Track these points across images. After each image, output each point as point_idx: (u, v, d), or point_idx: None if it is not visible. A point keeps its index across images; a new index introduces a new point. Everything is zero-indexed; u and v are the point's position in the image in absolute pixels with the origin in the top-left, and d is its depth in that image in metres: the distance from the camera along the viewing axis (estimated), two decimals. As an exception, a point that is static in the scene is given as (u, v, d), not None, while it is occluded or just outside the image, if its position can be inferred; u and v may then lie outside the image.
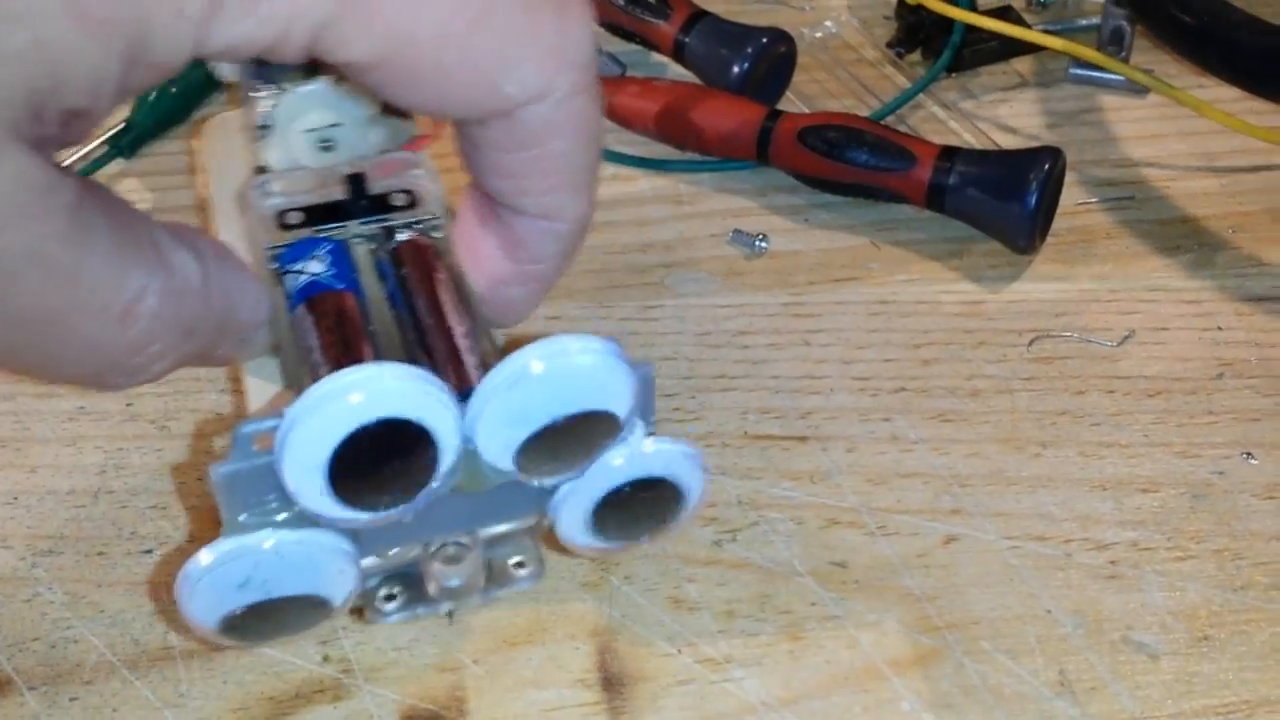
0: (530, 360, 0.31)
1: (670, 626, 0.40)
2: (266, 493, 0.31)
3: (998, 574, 0.41)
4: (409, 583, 0.37)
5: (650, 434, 0.35)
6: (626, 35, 0.62)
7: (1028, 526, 0.43)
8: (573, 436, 0.32)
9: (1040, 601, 0.41)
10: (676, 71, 0.62)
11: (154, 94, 0.57)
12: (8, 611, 0.41)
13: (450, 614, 0.39)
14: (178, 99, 0.59)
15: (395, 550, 0.36)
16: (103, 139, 0.57)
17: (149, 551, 0.42)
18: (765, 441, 0.46)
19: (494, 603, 0.40)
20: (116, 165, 0.57)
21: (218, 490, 0.31)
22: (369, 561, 0.35)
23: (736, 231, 0.53)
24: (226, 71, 0.42)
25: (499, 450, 0.32)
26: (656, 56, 0.63)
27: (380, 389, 0.29)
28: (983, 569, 0.41)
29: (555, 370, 0.31)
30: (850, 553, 0.42)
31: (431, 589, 0.36)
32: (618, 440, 0.34)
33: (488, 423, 0.31)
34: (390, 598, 0.37)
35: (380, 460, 0.31)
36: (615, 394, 0.32)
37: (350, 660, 0.39)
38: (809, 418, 0.46)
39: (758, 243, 0.53)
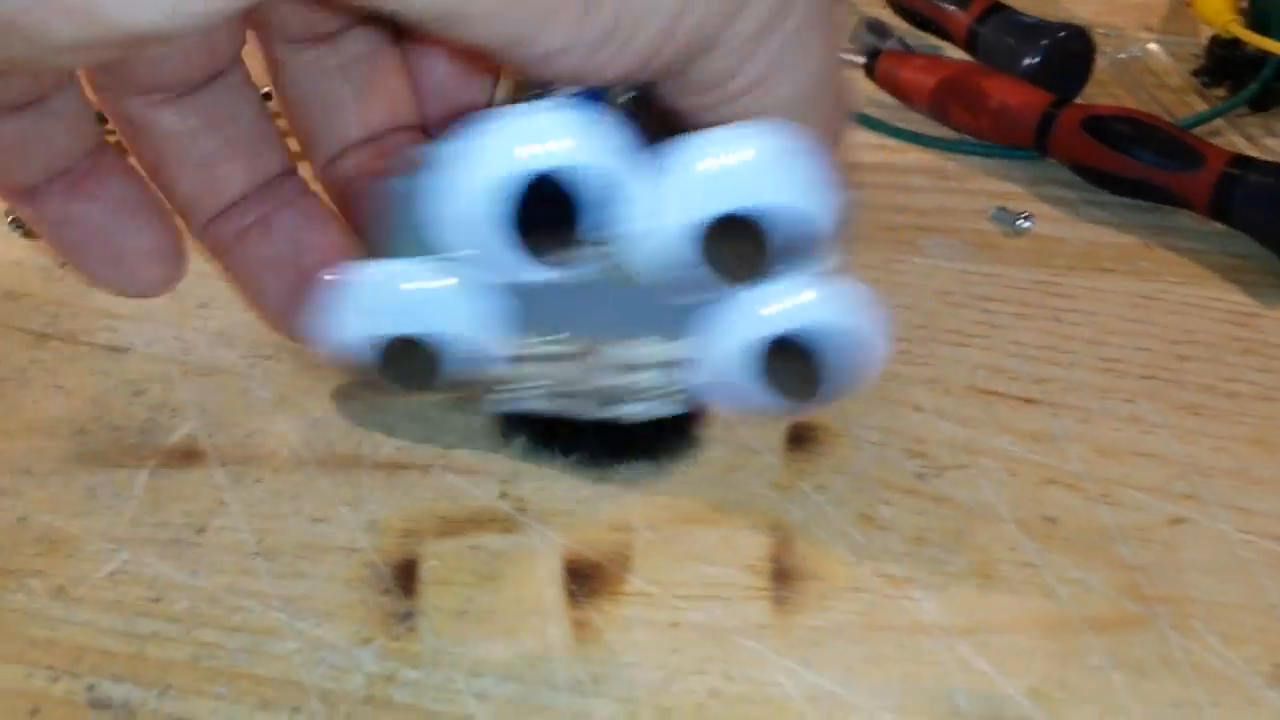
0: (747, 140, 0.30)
1: (855, 538, 0.38)
2: (432, 225, 0.31)
3: (1225, 562, 0.38)
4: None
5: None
6: (919, 22, 0.61)
7: (1267, 525, 0.39)
8: (755, 242, 0.31)
9: (1266, 595, 0.37)
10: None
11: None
12: (218, 399, 0.42)
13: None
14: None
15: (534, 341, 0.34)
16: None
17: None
18: (992, 397, 0.43)
19: (679, 482, 0.39)
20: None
21: (389, 204, 0.31)
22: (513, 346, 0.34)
23: (999, 208, 0.51)
24: None
25: (680, 227, 0.31)
26: (948, 48, 0.62)
27: (575, 130, 0.29)
28: (1209, 554, 0.38)
29: (766, 159, 0.30)
30: (1063, 511, 0.39)
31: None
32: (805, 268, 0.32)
33: (676, 190, 0.30)
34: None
35: (554, 212, 0.30)
36: (818, 210, 0.31)
37: (526, 501, 0.39)
38: (1043, 384, 0.44)
39: (1020, 221, 0.51)
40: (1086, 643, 0.35)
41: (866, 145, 0.56)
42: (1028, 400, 0.43)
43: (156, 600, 0.36)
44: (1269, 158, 0.56)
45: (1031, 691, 0.34)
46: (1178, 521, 0.39)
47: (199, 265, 0.47)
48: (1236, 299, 0.48)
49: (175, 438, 0.41)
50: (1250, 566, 0.38)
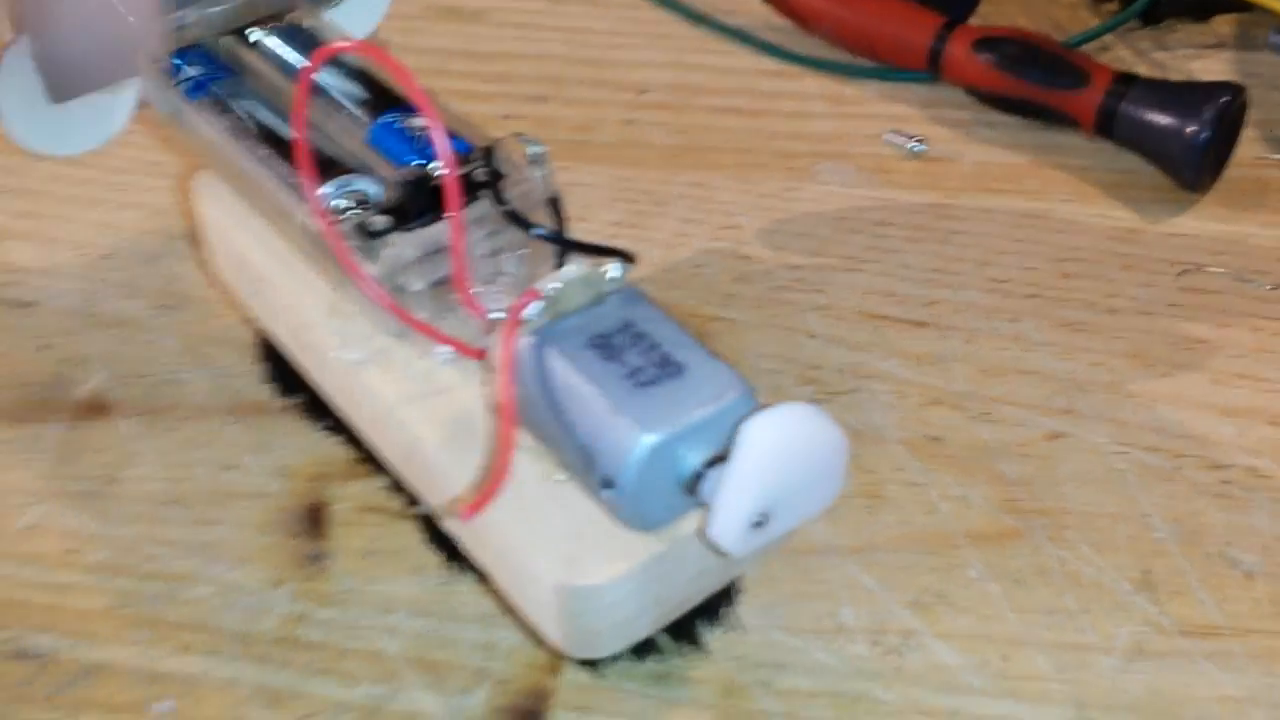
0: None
1: (750, 464, 0.40)
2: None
3: (1099, 474, 0.40)
4: None
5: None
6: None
7: (1141, 437, 0.41)
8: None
9: (1138, 505, 0.39)
10: None
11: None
12: (125, 351, 0.43)
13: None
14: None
15: None
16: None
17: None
18: (881, 321, 0.45)
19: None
20: None
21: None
22: None
23: (893, 131, 0.53)
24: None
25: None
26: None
27: None
28: (1084, 467, 0.40)
29: None
30: (948, 430, 0.41)
31: None
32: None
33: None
34: None
35: None
36: None
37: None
38: (932, 307, 0.45)
39: (913, 144, 0.52)
40: (964, 556, 0.37)
41: (764, 71, 0.57)
42: (917, 323, 0.45)
43: (73, 552, 0.37)
44: (1158, 71, 0.57)
45: (912, 604, 0.36)
46: (1056, 436, 0.41)
47: (101, 215, 0.48)
48: (1120, 215, 0.50)
49: (84, 391, 0.41)
50: (1123, 477, 0.40)
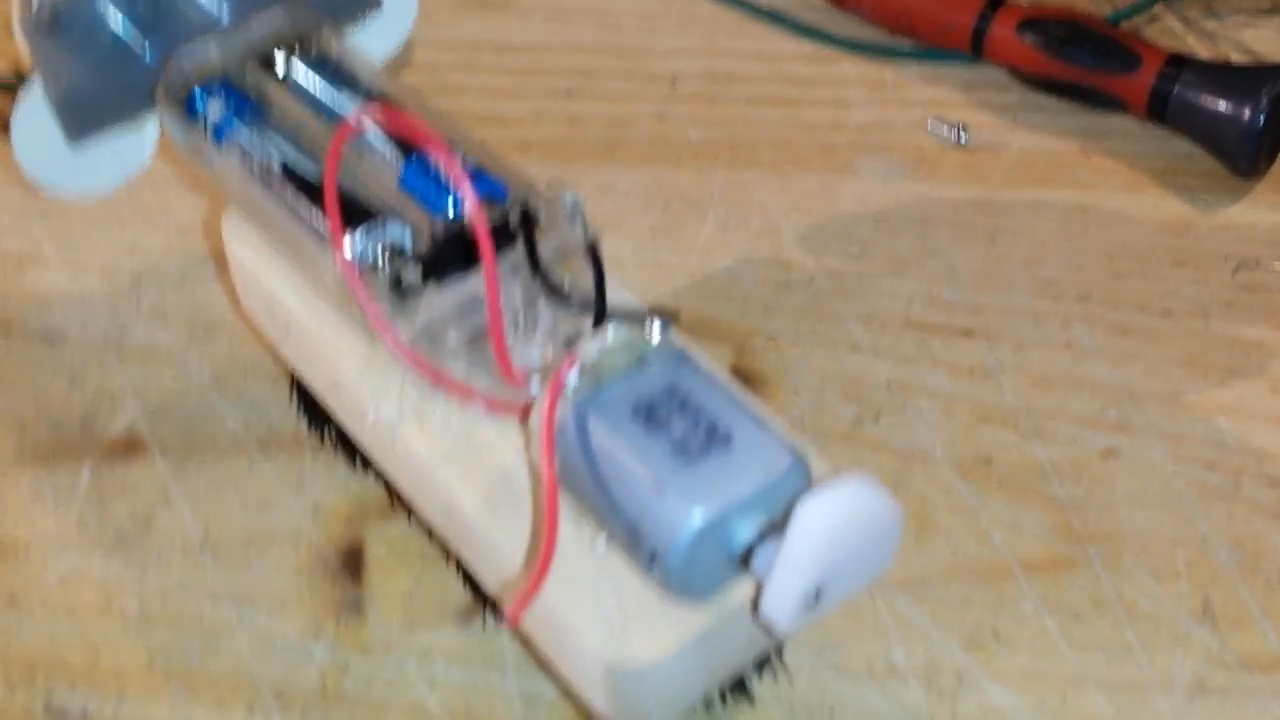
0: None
1: (794, 492, 0.39)
2: None
3: (1156, 494, 0.38)
4: None
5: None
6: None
7: (1198, 452, 0.39)
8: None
9: (1197, 528, 0.37)
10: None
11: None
12: (156, 383, 0.42)
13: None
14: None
15: None
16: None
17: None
18: (927, 330, 0.43)
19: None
20: None
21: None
22: None
23: (935, 119, 0.51)
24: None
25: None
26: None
27: None
28: (1140, 487, 0.39)
29: None
30: (998, 450, 0.40)
31: None
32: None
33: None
34: None
35: None
36: None
37: (468, 475, 0.39)
38: (979, 314, 0.44)
39: (957, 133, 0.50)
40: (1019, 587, 0.36)
41: (801, 55, 0.55)
42: (964, 332, 0.43)
43: (108, 603, 0.37)
44: (1207, 41, 0.55)
45: (966, 641, 0.35)
46: (1110, 454, 0.40)
47: (128, 237, 0.47)
48: (1172, 205, 0.48)
49: (116, 429, 0.41)
50: (1181, 497, 0.38)
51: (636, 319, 0.30)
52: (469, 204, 0.27)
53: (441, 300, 0.31)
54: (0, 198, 0.49)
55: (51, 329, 0.44)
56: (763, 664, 0.34)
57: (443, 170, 0.33)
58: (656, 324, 0.29)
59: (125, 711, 0.34)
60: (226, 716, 0.34)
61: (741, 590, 0.29)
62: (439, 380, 0.30)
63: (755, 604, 0.28)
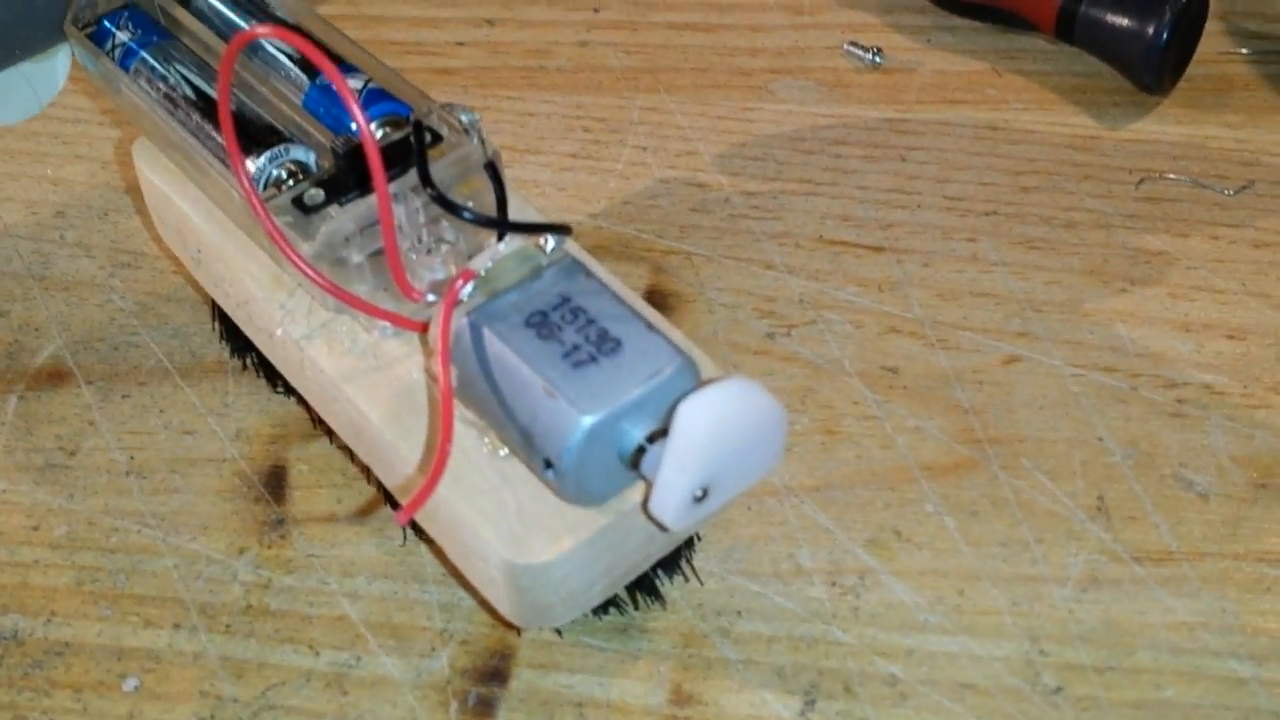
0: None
1: (707, 405, 0.40)
2: None
3: (1054, 398, 0.40)
4: None
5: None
6: None
7: (1096, 357, 0.41)
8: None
9: (1093, 429, 0.39)
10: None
11: None
12: (80, 313, 0.43)
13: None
14: None
15: None
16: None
17: (217, 275, 0.43)
18: (839, 247, 0.44)
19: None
20: None
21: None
22: None
23: (851, 43, 0.52)
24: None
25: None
26: None
27: None
28: (1039, 391, 0.40)
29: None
30: (904, 360, 0.41)
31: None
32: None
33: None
34: None
35: None
36: None
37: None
38: (889, 230, 0.45)
39: (872, 56, 0.51)
40: (921, 489, 0.38)
41: (721, -19, 0.56)
42: (874, 248, 0.44)
43: (35, 528, 0.37)
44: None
45: (869, 542, 0.37)
46: (1011, 360, 0.41)
47: (50, 170, 0.47)
48: (1079, 121, 0.49)
49: (41, 358, 0.41)
50: (1077, 400, 0.40)
51: (530, 233, 0.30)
52: (357, 119, 0.27)
53: (343, 219, 0.31)
54: (-79, 136, 0.49)
55: (-25, 264, 0.44)
56: (672, 568, 0.35)
57: (357, 87, 0.34)
58: (550, 237, 0.30)
59: (54, 632, 0.35)
60: (154, 634, 0.35)
61: (635, 493, 0.30)
62: (342, 298, 0.31)
63: (645, 503, 0.29)
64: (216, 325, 0.41)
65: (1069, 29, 0.50)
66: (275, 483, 0.38)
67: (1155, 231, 0.45)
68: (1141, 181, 0.46)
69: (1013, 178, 0.47)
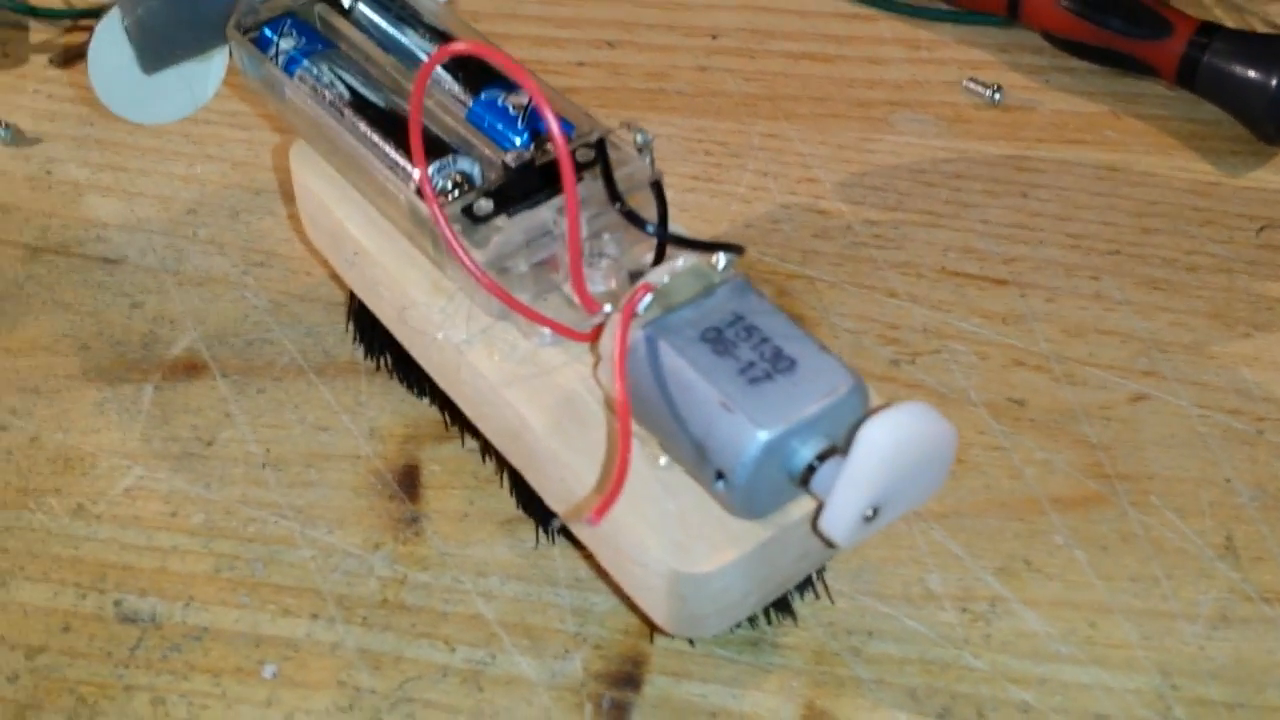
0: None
1: (834, 428, 0.40)
2: None
3: (1182, 437, 0.40)
4: None
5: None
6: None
7: (1222, 399, 0.41)
8: None
9: (1220, 470, 0.39)
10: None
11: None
12: (214, 308, 0.43)
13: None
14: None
15: None
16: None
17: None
18: (962, 279, 0.45)
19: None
20: None
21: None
22: None
23: (971, 79, 0.52)
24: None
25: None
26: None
27: None
28: (1166, 430, 0.40)
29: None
30: (1030, 393, 0.41)
31: None
32: None
33: None
34: None
35: None
36: None
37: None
38: (1012, 264, 0.45)
39: (992, 93, 0.52)
40: (1050, 522, 0.38)
41: (838, 14, 0.56)
42: (997, 281, 0.45)
43: (173, 515, 0.38)
44: (1233, 13, 0.56)
45: (999, 570, 0.37)
46: (1138, 399, 0.41)
47: (183, 169, 0.48)
48: (1199, 167, 0.49)
49: (177, 350, 0.42)
50: (1204, 441, 0.40)
51: (701, 251, 0.31)
52: (554, 132, 0.28)
53: (514, 230, 0.32)
54: (59, 128, 0.50)
55: (109, 254, 0.45)
56: (804, 585, 0.35)
57: (522, 102, 0.34)
58: (722, 255, 0.31)
59: (193, 617, 0.36)
60: (292, 623, 0.35)
61: (797, 509, 0.30)
62: (510, 304, 0.31)
63: (815, 519, 0.29)
64: (350, 326, 0.42)
65: (1191, 77, 0.50)
66: (409, 481, 0.39)
67: (1277, 279, 0.45)
68: (1263, 229, 0.47)
69: (1134, 219, 0.47)
